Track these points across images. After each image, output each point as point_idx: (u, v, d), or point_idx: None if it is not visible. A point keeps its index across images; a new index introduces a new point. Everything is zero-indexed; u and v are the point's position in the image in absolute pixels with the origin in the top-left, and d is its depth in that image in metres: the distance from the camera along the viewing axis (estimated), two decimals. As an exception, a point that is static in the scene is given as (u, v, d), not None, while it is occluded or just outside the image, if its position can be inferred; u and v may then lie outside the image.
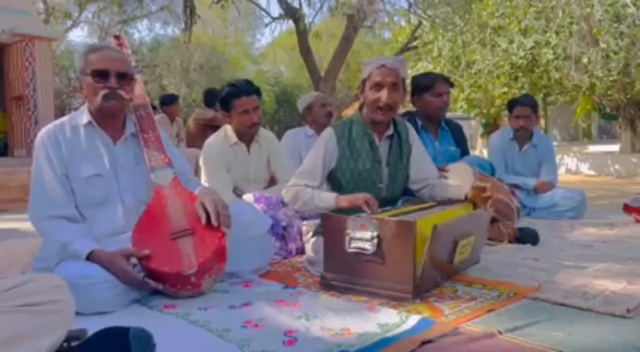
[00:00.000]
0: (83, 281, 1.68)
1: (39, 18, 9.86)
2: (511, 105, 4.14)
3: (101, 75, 1.97)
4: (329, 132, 2.38)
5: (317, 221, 2.40)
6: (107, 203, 2.02)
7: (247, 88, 2.90)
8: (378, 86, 2.26)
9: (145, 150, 2.08)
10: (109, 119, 2.05)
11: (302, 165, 2.43)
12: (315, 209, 2.30)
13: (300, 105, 3.86)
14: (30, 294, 1.15)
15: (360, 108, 2.40)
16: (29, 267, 2.06)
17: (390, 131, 2.39)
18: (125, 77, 2.01)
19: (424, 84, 3.35)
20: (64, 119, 2.07)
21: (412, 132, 2.51)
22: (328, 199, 2.24)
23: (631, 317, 1.67)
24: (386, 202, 2.32)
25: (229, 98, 2.88)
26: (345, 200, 2.18)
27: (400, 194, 2.47)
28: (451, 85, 3.45)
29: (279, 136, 3.59)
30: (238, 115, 2.87)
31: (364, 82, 2.34)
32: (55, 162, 1.96)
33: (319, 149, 2.36)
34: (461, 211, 2.29)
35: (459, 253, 2.04)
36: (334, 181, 2.38)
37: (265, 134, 3.10)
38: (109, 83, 1.96)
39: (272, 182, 3.09)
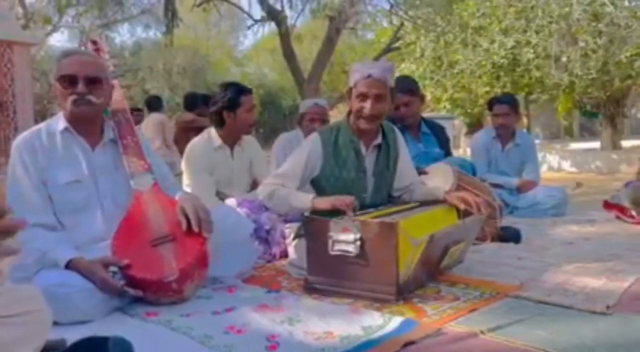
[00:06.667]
0: (62, 290, 1.66)
1: (17, 23, 9.72)
2: (490, 104, 4.21)
3: (69, 80, 1.93)
4: (314, 138, 2.34)
5: (300, 224, 2.39)
6: (86, 210, 1.99)
7: (247, 87, 3.01)
8: (363, 96, 2.22)
9: (125, 156, 2.06)
10: (84, 124, 2.02)
11: (283, 166, 2.38)
12: (290, 209, 2.28)
13: (300, 108, 3.77)
14: (4, 306, 1.12)
15: (348, 115, 2.35)
16: (6, 277, 2.02)
17: (378, 140, 2.35)
18: (95, 82, 1.96)
19: None
20: (41, 125, 2.04)
21: (399, 138, 2.48)
22: (304, 199, 2.19)
23: (611, 314, 1.70)
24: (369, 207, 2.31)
25: (238, 95, 2.90)
26: (324, 202, 2.12)
27: (384, 201, 2.45)
28: (413, 92, 3.36)
29: (264, 139, 3.57)
30: (245, 112, 2.91)
31: (350, 89, 2.29)
32: (31, 170, 1.92)
33: (301, 153, 2.32)
34: (444, 212, 2.29)
35: (447, 258, 2.06)
36: (318, 187, 2.35)
37: (247, 138, 3.10)
38: (77, 88, 1.93)
39: (254, 186, 3.08)
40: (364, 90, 2.22)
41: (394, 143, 2.41)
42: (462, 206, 2.27)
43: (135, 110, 6.49)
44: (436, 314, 1.73)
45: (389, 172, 2.40)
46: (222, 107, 2.88)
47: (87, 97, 1.94)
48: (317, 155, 2.30)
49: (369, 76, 2.21)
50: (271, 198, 2.27)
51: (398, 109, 3.33)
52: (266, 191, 2.29)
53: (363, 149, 2.33)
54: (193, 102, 5.73)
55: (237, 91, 2.92)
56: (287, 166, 2.34)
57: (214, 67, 22.32)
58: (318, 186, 2.34)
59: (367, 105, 2.21)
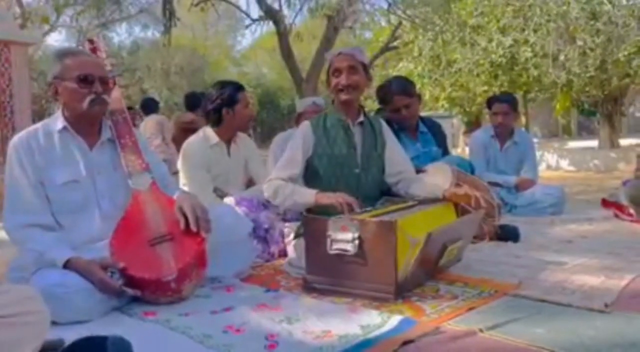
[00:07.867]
0: (60, 290, 1.66)
1: (15, 23, 9.70)
2: (490, 102, 4.21)
3: (86, 80, 1.95)
4: (305, 124, 2.50)
5: (299, 223, 2.39)
6: (84, 210, 1.99)
7: (241, 84, 3.11)
8: (338, 72, 2.41)
9: (123, 155, 2.06)
10: (87, 124, 2.03)
11: (283, 157, 2.48)
12: (295, 205, 2.33)
13: (297, 107, 3.86)
14: (2, 306, 1.12)
15: (332, 102, 2.51)
16: (4, 278, 2.02)
17: (361, 118, 2.49)
18: (106, 82, 2.01)
19: (384, 98, 3.38)
20: (38, 125, 2.03)
21: (386, 128, 2.61)
22: (308, 195, 2.26)
23: (610, 312, 1.70)
24: (364, 193, 2.35)
25: (235, 92, 2.98)
26: (325, 197, 2.20)
27: (377, 185, 2.51)
28: (411, 93, 3.35)
29: (262, 138, 3.59)
30: (244, 108, 2.99)
31: (328, 74, 2.47)
32: (28, 170, 1.92)
33: (297, 141, 2.45)
34: (442, 210, 2.30)
35: (446, 256, 2.06)
36: (312, 169, 2.44)
37: (242, 136, 3.13)
38: (94, 88, 1.95)
39: (249, 185, 3.09)
40: (337, 65, 2.42)
41: (379, 129, 2.55)
42: (462, 199, 2.30)
43: (129, 109, 6.50)
44: (435, 313, 1.73)
45: (376, 152, 2.51)
46: (221, 105, 2.92)
47: (102, 97, 1.98)
48: (310, 138, 2.44)
49: (339, 53, 2.45)
50: (276, 196, 2.36)
51: (398, 112, 3.32)
52: (271, 189, 2.37)
53: (351, 126, 2.46)
54: (194, 101, 5.72)
55: (233, 88, 2.99)
56: (286, 156, 2.45)
57: (212, 67, 22.32)
58: (311, 166, 2.44)
59: (343, 77, 2.39)
